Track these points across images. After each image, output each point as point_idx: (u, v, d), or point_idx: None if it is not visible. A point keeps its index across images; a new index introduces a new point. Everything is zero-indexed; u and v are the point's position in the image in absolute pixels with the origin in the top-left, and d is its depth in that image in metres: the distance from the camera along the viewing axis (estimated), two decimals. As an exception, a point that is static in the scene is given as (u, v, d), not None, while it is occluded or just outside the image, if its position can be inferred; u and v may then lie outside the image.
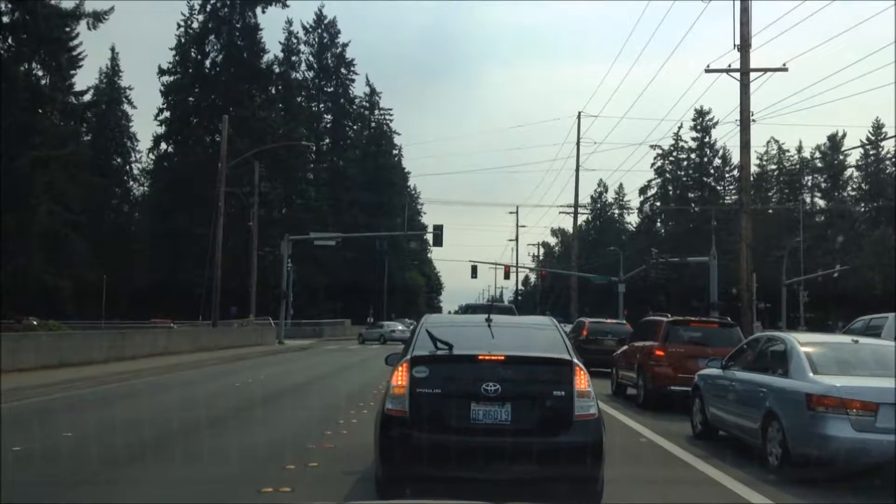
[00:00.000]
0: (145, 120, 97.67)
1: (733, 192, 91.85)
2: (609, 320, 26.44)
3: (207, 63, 67.88)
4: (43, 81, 57.57)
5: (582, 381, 6.28)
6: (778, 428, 8.00)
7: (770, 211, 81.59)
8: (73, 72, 60.02)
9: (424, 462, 6.00)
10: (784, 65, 25.44)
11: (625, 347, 16.83)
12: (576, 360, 6.44)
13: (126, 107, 78.12)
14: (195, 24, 67.54)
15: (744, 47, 24.52)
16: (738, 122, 24.75)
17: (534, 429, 6.16)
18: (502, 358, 6.36)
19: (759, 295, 49.74)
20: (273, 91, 71.69)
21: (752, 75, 24.59)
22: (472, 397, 6.19)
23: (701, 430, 10.67)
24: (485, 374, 6.23)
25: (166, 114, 67.83)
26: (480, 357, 6.38)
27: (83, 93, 60.66)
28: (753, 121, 25.02)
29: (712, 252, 38.10)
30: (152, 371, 19.29)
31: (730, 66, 24.93)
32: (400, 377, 6.37)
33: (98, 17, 43.53)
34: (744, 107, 24.57)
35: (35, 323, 38.24)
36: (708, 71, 25.45)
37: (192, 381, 18.41)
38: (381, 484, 6.45)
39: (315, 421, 11.33)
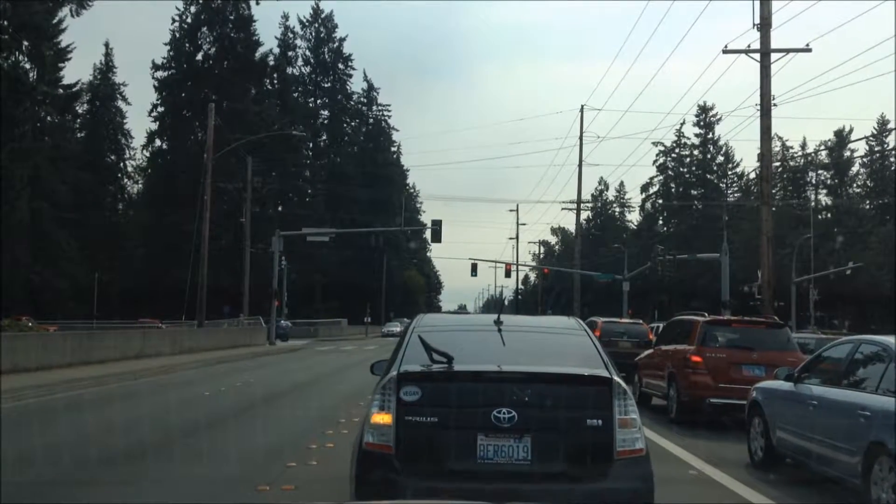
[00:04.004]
0: (141, 117, 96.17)
1: (736, 189, 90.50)
2: (623, 320, 24.35)
3: (200, 56, 66.19)
4: (31, 75, 56.21)
5: (624, 405, 4.84)
6: (891, 467, 6.09)
7: (773, 209, 79.89)
8: (61, 65, 58.62)
9: None
10: (807, 44, 23.67)
11: (650, 351, 14.84)
12: (616, 378, 4.96)
13: (120, 103, 76.09)
14: (189, 18, 65.91)
15: (764, 26, 22.83)
16: (759, 107, 23.05)
17: (562, 471, 4.69)
18: (520, 375, 4.89)
19: (760, 293, 47.94)
20: (268, 84, 70.01)
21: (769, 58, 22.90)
22: (479, 428, 4.72)
23: (763, 458, 8.66)
24: (496, 396, 4.77)
25: (160, 109, 66.27)
26: (490, 373, 4.91)
27: (72, 86, 59.19)
28: (775, 105, 23.30)
29: (724, 248, 36.35)
30: (115, 377, 17.19)
31: (749, 45, 23.26)
32: (383, 400, 4.87)
33: (81, 4, 41.67)
34: (764, 90, 22.85)
35: (30, 325, 36.55)
36: (726, 52, 23.74)
37: (146, 391, 15.99)
38: None
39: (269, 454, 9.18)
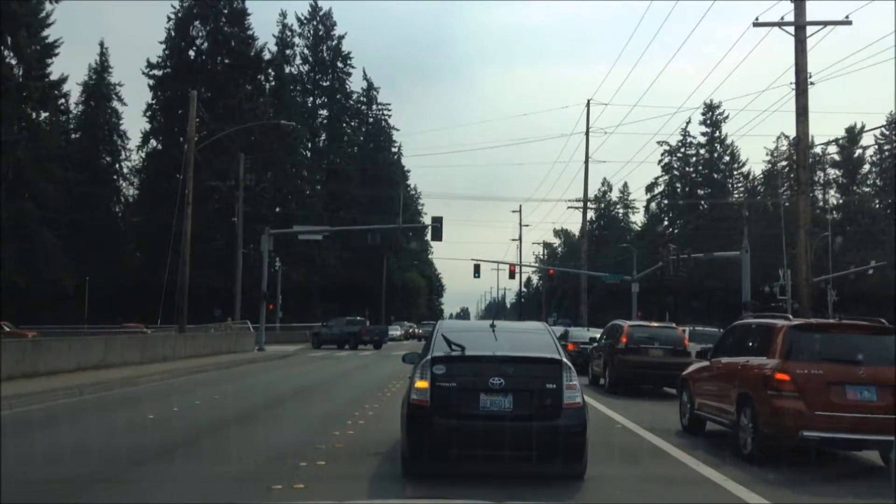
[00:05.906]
0: (137, 118, 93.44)
1: (742, 190, 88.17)
2: (653, 323, 21.39)
3: (192, 52, 63.88)
4: (17, 72, 54.10)
5: (570, 376, 7.79)
6: None
7: (786, 205, 77.64)
8: (49, 60, 56.64)
9: (443, 442, 7.49)
10: (846, 16, 21.36)
11: (704, 364, 11.53)
12: (565, 360, 7.95)
13: (116, 104, 73.60)
14: (181, 13, 63.64)
15: (799, -3, 20.59)
16: (794, 86, 20.82)
17: (531, 415, 7.61)
18: (507, 358, 7.85)
19: (783, 293, 45.87)
20: (263, 80, 67.70)
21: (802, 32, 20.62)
22: (481, 389, 7.65)
23: None
24: (491, 370, 7.70)
25: (155, 108, 64.09)
26: (488, 357, 7.86)
27: (59, 82, 57.19)
28: (812, 83, 20.99)
29: (744, 245, 34.11)
30: (58, 393, 14.51)
31: (783, 18, 21.01)
32: (422, 373, 7.82)
33: (61, -8, 39.37)
34: (800, 67, 20.70)
35: (8, 329, 34.55)
36: (756, 25, 21.44)
37: (88, 410, 13.40)
38: (406, 461, 7.88)
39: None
